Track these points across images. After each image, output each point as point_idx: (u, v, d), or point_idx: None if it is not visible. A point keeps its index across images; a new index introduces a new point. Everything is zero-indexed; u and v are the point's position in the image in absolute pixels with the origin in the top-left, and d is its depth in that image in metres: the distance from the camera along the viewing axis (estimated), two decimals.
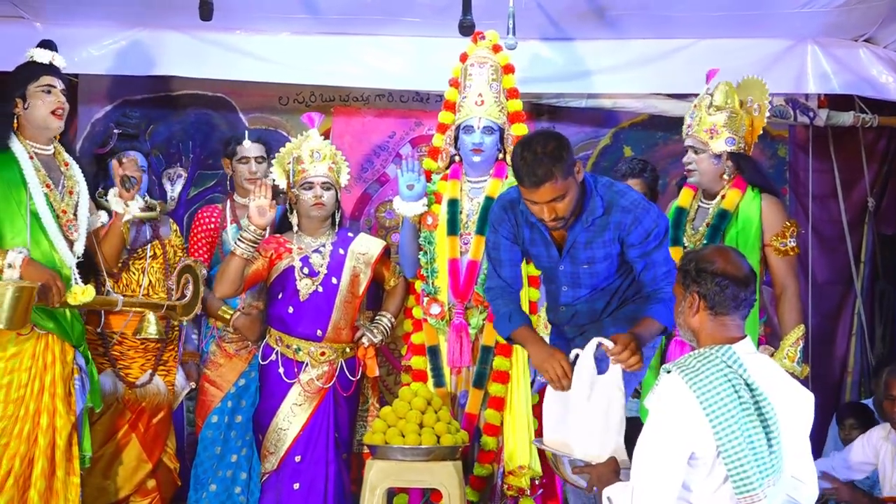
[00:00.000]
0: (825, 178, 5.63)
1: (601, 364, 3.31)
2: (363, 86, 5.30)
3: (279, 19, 4.92)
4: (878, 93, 5.06)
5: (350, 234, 4.36)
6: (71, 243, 3.79)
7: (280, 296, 4.21)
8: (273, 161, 4.33)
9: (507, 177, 4.16)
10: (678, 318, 2.89)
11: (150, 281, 4.27)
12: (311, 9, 4.79)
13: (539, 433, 3.93)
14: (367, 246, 4.32)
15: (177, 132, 5.51)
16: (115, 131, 4.46)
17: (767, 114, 4.10)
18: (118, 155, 4.21)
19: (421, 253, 4.21)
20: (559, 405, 3.36)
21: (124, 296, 4.09)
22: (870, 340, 5.60)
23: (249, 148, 4.55)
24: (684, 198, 4.22)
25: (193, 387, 4.47)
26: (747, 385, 2.67)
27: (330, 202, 4.23)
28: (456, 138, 4.21)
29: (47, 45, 3.90)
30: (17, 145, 3.74)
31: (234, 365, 4.43)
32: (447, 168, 4.31)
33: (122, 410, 4.21)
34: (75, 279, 3.78)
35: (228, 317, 4.35)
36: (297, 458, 4.12)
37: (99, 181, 4.26)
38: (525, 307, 3.93)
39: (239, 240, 4.02)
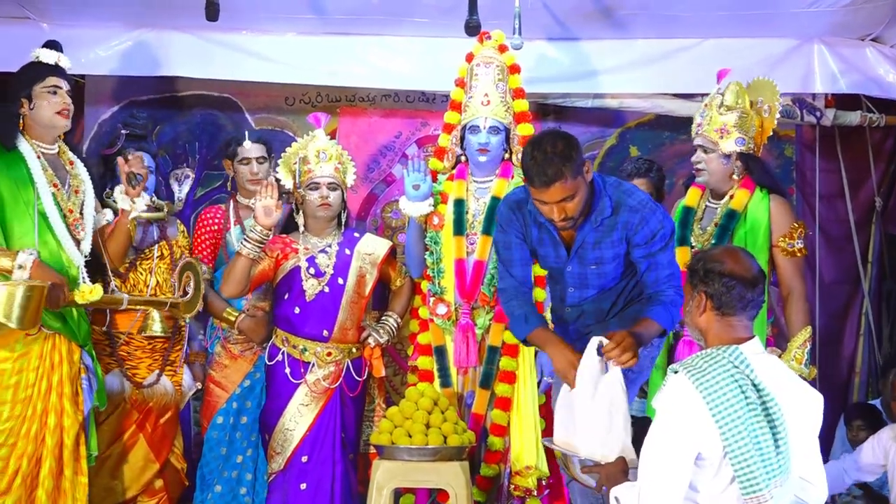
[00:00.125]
0: (832, 177, 5.62)
1: (608, 363, 3.31)
2: (369, 86, 5.30)
3: (285, 20, 4.92)
4: (885, 92, 5.05)
5: (356, 235, 4.35)
6: (78, 242, 3.79)
7: (286, 296, 4.21)
8: (279, 161, 4.32)
9: (513, 177, 4.16)
10: (686, 318, 2.89)
11: (158, 281, 4.27)
12: (317, 9, 4.79)
13: (546, 433, 3.94)
14: (373, 246, 4.32)
15: (183, 133, 5.51)
16: (123, 132, 4.47)
17: (777, 115, 4.09)
18: (124, 152, 4.21)
19: (427, 253, 4.20)
20: (568, 404, 3.36)
21: (130, 295, 4.09)
22: (877, 340, 5.59)
23: (250, 149, 4.53)
24: (691, 197, 4.22)
25: (200, 387, 4.47)
26: (754, 385, 2.67)
27: (336, 202, 4.23)
28: (462, 138, 4.20)
29: (53, 45, 3.89)
30: (24, 145, 3.74)
31: (239, 366, 4.43)
32: (453, 168, 4.30)
33: (130, 411, 4.21)
34: (83, 278, 3.79)
35: (233, 319, 4.35)
36: (304, 459, 4.12)
37: (106, 182, 4.26)
38: None
39: (245, 240, 4.01)
